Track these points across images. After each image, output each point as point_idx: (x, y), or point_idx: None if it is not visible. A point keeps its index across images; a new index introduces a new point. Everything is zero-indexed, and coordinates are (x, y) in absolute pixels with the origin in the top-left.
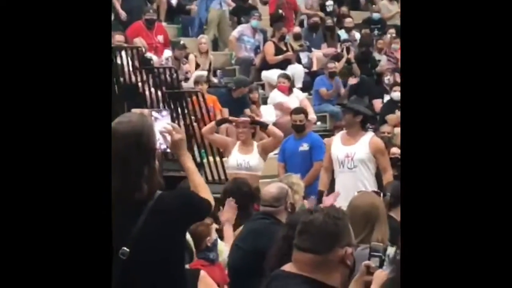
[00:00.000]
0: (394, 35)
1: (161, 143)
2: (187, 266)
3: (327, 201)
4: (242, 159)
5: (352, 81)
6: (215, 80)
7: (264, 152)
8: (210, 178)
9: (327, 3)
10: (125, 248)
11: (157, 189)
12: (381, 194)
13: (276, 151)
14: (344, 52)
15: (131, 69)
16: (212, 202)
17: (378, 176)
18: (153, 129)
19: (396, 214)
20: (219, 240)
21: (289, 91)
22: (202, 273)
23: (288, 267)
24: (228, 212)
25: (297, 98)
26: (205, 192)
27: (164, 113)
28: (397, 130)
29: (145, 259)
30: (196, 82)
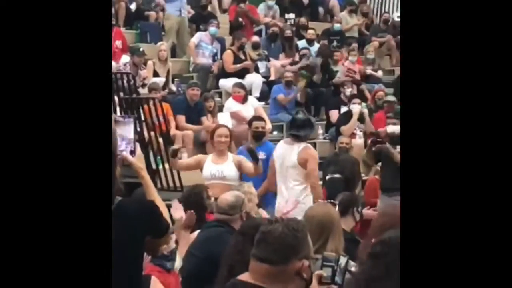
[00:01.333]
0: (353, 46)
1: (121, 150)
2: None
3: (285, 208)
4: (216, 169)
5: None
6: (173, 87)
7: (238, 169)
8: (165, 185)
9: (287, 16)
10: None
11: (116, 195)
12: (336, 205)
13: None
14: (303, 59)
15: None
16: (170, 225)
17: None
18: (115, 134)
19: (345, 224)
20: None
21: (243, 100)
22: (153, 279)
23: (244, 277)
24: (188, 220)
25: (252, 107)
26: (164, 211)
27: (128, 119)
28: (354, 141)
29: None
30: (151, 89)
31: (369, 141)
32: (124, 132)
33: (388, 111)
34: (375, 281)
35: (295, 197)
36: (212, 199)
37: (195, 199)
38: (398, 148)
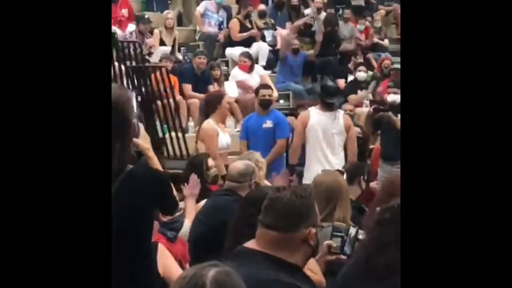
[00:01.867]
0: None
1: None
2: None
3: (278, 181)
4: (227, 139)
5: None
6: (179, 56)
7: None
8: (172, 153)
9: None
10: None
11: (128, 163)
12: (344, 173)
13: (238, 128)
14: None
15: None
16: (178, 204)
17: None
18: (131, 102)
19: (351, 193)
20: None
21: (250, 69)
22: (160, 246)
23: (250, 244)
24: (192, 187)
25: (258, 75)
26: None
27: (130, 92)
28: (358, 109)
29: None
30: (163, 59)
31: (371, 109)
32: None
33: (394, 79)
34: (385, 248)
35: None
36: (212, 169)
37: (196, 169)
38: (400, 116)
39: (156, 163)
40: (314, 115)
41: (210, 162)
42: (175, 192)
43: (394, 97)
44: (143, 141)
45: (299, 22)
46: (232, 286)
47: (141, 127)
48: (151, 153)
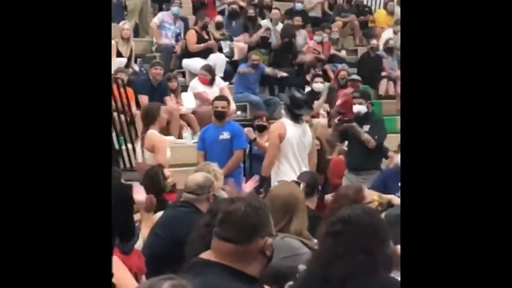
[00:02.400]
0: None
1: None
2: None
3: (247, 187)
4: None
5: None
6: (136, 67)
7: None
8: (128, 165)
9: None
10: None
11: None
12: (300, 184)
13: (195, 139)
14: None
15: None
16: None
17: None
18: None
19: (311, 203)
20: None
21: (210, 83)
22: (115, 259)
23: (206, 255)
24: (148, 206)
25: (218, 87)
26: None
27: None
28: (316, 120)
29: None
30: (118, 72)
31: (335, 120)
32: None
33: (353, 89)
34: (337, 259)
35: None
36: (169, 179)
37: (152, 180)
38: (365, 127)
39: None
40: (290, 127)
41: (167, 172)
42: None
43: (359, 108)
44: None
45: (257, 34)
46: None
47: None
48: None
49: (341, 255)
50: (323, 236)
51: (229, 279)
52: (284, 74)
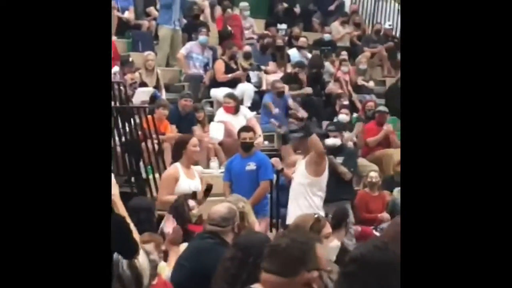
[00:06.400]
0: (345, 57)
1: None
2: None
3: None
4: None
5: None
6: (163, 96)
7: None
8: (155, 194)
9: (280, 26)
10: None
11: None
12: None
13: (222, 170)
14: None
15: None
16: (138, 248)
17: None
18: None
19: (338, 237)
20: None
21: (235, 110)
22: None
23: (256, 287)
24: (174, 234)
25: (245, 117)
26: (133, 230)
27: None
28: None
29: None
30: (159, 106)
31: None
32: None
33: (379, 121)
34: None
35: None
36: (194, 210)
37: (177, 212)
38: (339, 159)
39: (121, 209)
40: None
41: (191, 203)
42: (135, 235)
43: (333, 141)
44: (112, 188)
45: (288, 72)
46: None
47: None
48: (116, 199)
49: None
50: (339, 278)
51: None
52: (305, 115)
